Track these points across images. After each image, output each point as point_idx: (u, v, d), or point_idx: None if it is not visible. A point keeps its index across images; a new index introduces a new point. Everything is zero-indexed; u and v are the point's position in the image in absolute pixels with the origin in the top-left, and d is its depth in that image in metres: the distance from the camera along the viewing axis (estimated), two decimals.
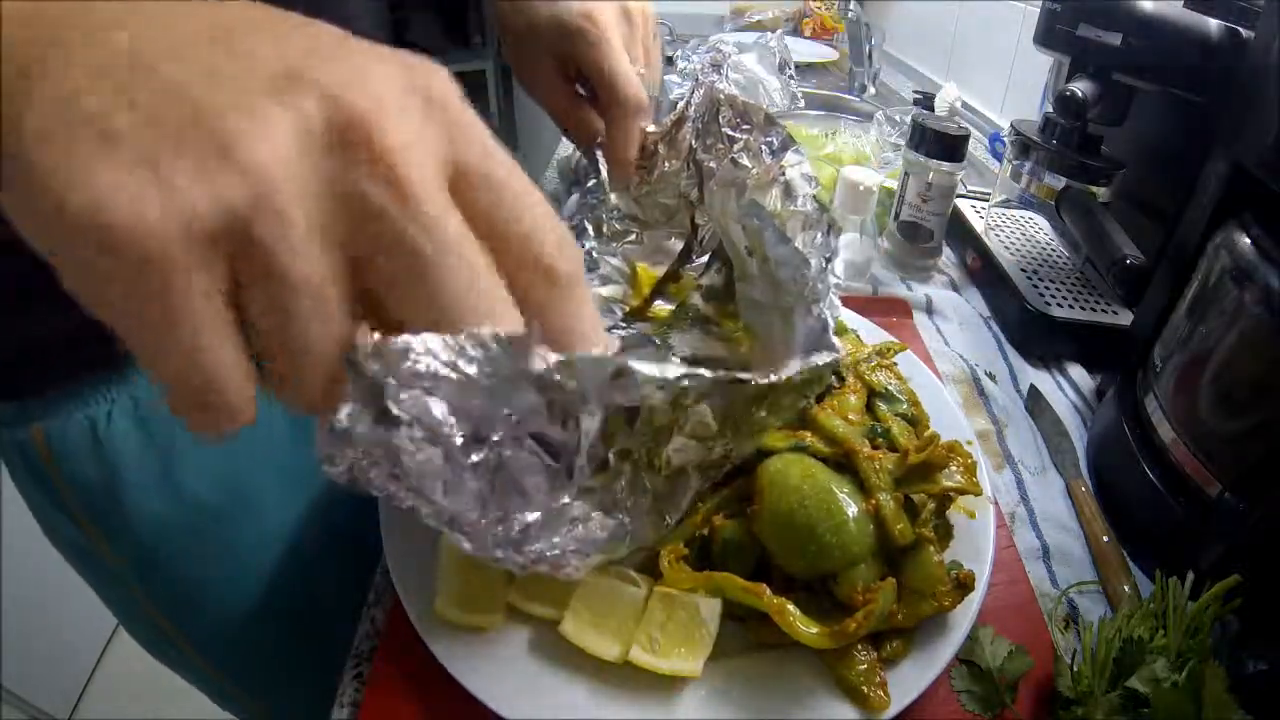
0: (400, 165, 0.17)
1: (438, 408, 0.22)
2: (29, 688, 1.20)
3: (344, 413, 0.21)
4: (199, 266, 0.16)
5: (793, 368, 0.32)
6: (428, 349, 0.20)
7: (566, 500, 0.30)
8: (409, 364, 0.20)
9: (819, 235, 0.41)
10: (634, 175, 0.51)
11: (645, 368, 0.26)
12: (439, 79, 0.19)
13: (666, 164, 0.54)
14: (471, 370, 0.21)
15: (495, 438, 0.24)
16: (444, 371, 0.20)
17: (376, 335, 0.19)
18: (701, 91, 0.52)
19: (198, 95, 0.16)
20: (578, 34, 0.49)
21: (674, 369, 0.27)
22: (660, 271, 0.55)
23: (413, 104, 0.18)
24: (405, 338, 0.19)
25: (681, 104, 0.53)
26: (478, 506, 0.26)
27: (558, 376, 0.24)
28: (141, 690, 1.28)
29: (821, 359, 0.33)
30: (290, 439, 0.51)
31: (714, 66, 0.54)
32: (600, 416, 0.27)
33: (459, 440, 0.23)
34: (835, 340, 0.34)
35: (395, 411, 0.21)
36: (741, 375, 0.30)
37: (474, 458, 0.24)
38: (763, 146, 0.49)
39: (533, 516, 0.29)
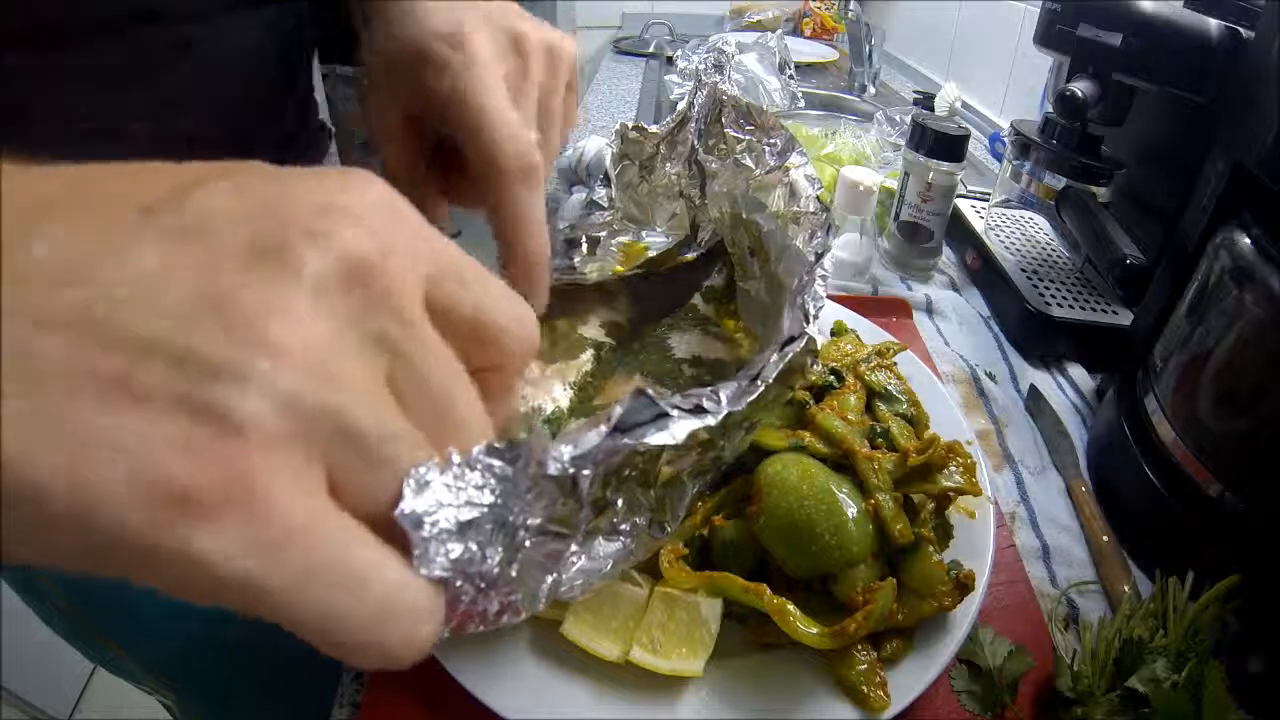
0: (403, 297, 0.16)
1: (465, 550, 0.21)
2: (29, 688, 1.20)
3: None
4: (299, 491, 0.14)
5: (768, 360, 0.32)
6: (439, 502, 0.19)
7: (575, 549, 0.29)
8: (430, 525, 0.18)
9: (817, 232, 0.41)
10: (546, 284, 0.34)
11: (654, 439, 0.26)
12: (378, 188, 0.17)
13: (668, 164, 0.54)
14: (486, 499, 0.20)
15: (520, 540, 0.24)
16: (465, 515, 0.19)
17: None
18: (704, 92, 0.52)
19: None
20: (432, 65, 0.31)
21: (679, 426, 0.27)
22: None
23: (384, 218, 0.17)
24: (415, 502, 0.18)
25: (684, 104, 0.53)
26: (517, 600, 0.26)
27: (571, 470, 0.24)
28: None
29: (794, 348, 0.33)
30: None
31: (716, 67, 0.52)
32: (597, 484, 0.27)
33: (496, 569, 0.23)
34: (809, 327, 0.34)
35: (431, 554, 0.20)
36: (732, 411, 0.30)
37: (513, 570, 0.24)
38: (765, 148, 0.49)
39: (550, 579, 0.29)
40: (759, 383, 0.31)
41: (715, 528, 0.39)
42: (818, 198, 0.43)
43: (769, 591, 0.35)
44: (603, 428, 0.24)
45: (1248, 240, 0.42)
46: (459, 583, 0.21)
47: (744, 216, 0.48)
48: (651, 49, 1.56)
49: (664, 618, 0.35)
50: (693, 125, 0.53)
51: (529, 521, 0.24)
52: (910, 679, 0.35)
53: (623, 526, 0.33)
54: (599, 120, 1.16)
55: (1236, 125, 0.46)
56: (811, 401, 0.43)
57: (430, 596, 0.15)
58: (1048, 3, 0.63)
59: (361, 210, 0.16)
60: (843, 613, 0.35)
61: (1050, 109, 0.64)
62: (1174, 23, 0.54)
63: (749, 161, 0.50)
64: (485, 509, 0.20)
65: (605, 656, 0.35)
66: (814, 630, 0.34)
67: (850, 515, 0.36)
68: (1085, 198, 0.65)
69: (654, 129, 0.54)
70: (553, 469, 0.23)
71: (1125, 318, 0.64)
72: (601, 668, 0.35)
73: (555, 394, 0.48)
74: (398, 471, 0.15)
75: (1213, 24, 0.53)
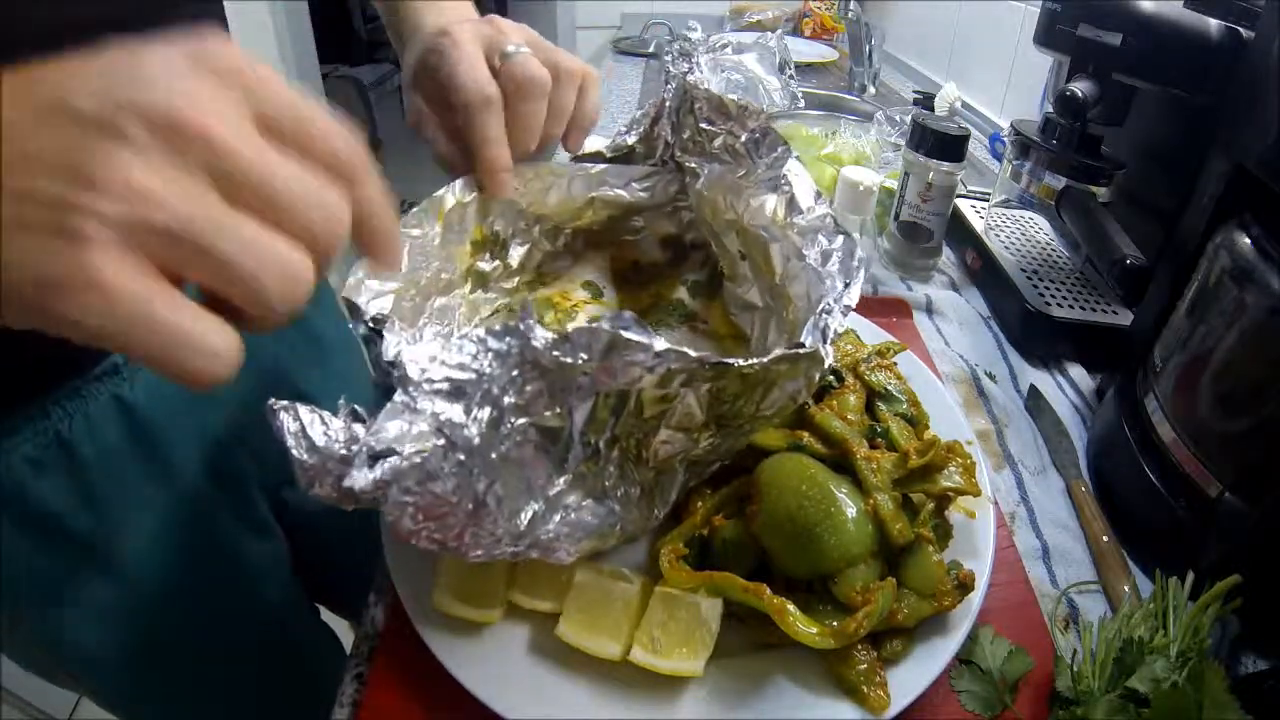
0: (217, 137, 0.21)
1: (453, 409, 0.25)
2: (29, 688, 1.20)
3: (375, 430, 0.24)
4: (123, 268, 0.20)
5: (771, 355, 0.32)
6: (438, 359, 0.23)
7: (561, 486, 0.31)
8: (425, 374, 0.23)
9: (837, 255, 0.41)
10: (508, 185, 0.45)
11: (636, 335, 0.28)
12: (225, 53, 0.23)
13: (645, 163, 0.53)
14: (482, 366, 0.26)
15: (505, 430, 0.27)
16: (457, 375, 0.24)
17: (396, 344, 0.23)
18: (674, 85, 0.51)
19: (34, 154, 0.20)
20: (431, 53, 0.45)
21: (661, 343, 0.29)
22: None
23: (208, 84, 0.22)
24: (412, 351, 0.23)
25: (656, 99, 0.52)
26: (494, 505, 0.28)
27: (555, 353, 0.27)
28: None
29: (801, 350, 0.33)
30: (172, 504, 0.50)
31: (683, 55, 0.51)
32: (590, 403, 0.29)
33: (477, 439, 0.26)
34: (825, 348, 0.34)
35: (419, 406, 0.25)
36: (725, 360, 0.30)
37: (493, 454, 0.27)
38: (742, 145, 0.48)
39: (536, 507, 0.30)
40: (754, 361, 0.32)
41: (715, 528, 0.39)
42: (832, 216, 0.43)
43: (769, 591, 0.35)
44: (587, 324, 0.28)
45: (1248, 240, 0.42)
46: (439, 454, 0.26)
47: (743, 224, 0.48)
48: (651, 49, 1.56)
49: (664, 618, 0.35)
50: (665, 120, 0.52)
51: (514, 402, 0.28)
52: (910, 679, 0.35)
53: (616, 492, 0.34)
54: (599, 120, 1.16)
55: (1236, 125, 0.46)
56: (811, 401, 0.43)
57: (226, 342, 0.22)
58: (1048, 3, 0.63)
59: (181, 83, 0.21)
60: (843, 613, 0.35)
61: (1050, 109, 0.64)
62: (1174, 23, 0.54)
63: (727, 157, 0.49)
64: (473, 375, 0.25)
65: (604, 655, 0.35)
66: (814, 630, 0.34)
67: (850, 515, 0.36)
68: (1085, 198, 0.64)
69: (631, 139, 0.53)
70: (539, 344, 0.27)
71: (1125, 318, 0.64)
72: (601, 668, 0.35)
73: None
74: (200, 244, 0.21)
75: (1213, 24, 0.53)
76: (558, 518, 0.32)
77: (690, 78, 0.49)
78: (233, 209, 0.22)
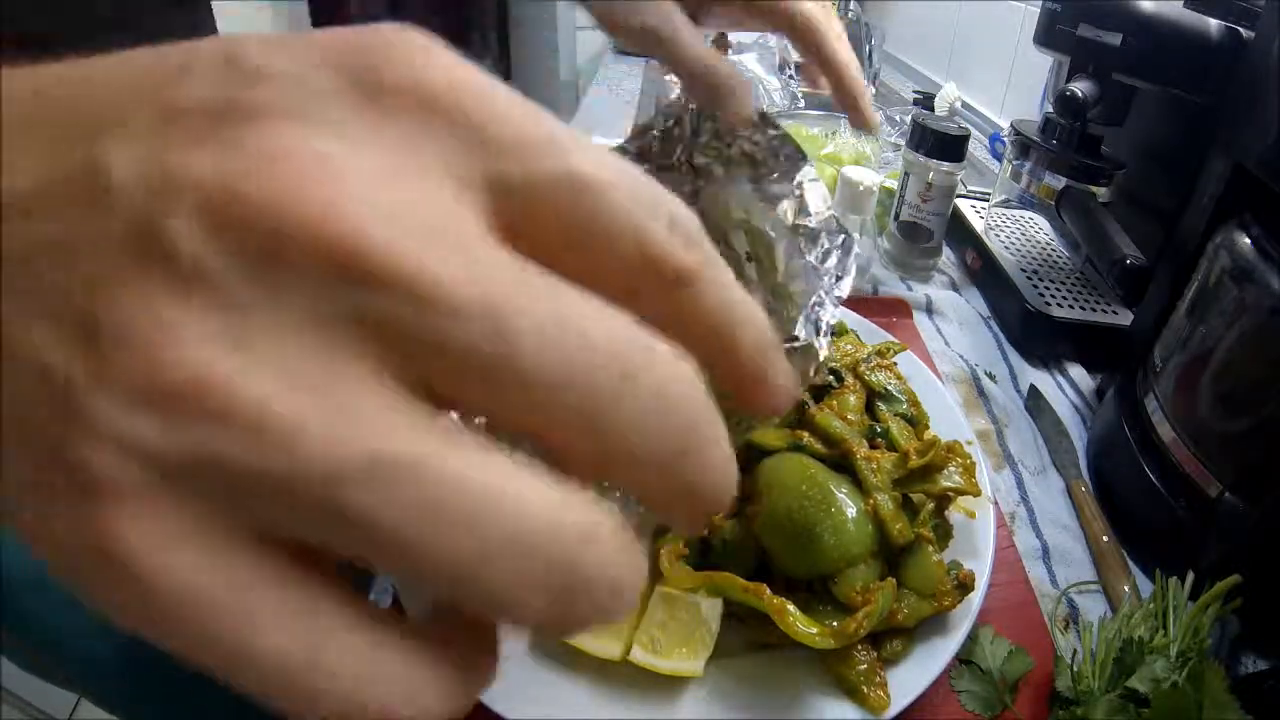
0: (428, 277, 0.10)
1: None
2: (29, 688, 1.20)
3: None
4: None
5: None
6: None
7: None
8: None
9: (836, 252, 0.41)
10: (875, 125, 0.43)
11: None
12: (399, 53, 0.11)
13: (659, 162, 0.53)
14: None
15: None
16: None
17: None
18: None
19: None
20: None
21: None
22: None
23: (389, 130, 0.11)
24: None
25: (677, 99, 0.53)
26: None
27: None
28: None
29: (795, 344, 0.33)
30: None
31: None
32: None
33: None
34: (820, 340, 0.34)
35: None
36: None
37: None
38: (761, 151, 0.48)
39: None
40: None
41: (715, 527, 0.39)
42: (835, 218, 0.43)
43: (769, 591, 0.35)
44: None
45: (1248, 240, 0.42)
46: None
47: (752, 224, 0.48)
48: None
49: (664, 618, 0.35)
50: (686, 124, 0.52)
51: None
52: (910, 679, 0.35)
53: (615, 491, 0.33)
54: (599, 120, 1.16)
55: (1236, 125, 0.46)
56: (811, 402, 0.43)
57: (437, 682, 0.12)
58: (1048, 3, 0.63)
59: (324, 130, 0.11)
60: (843, 613, 0.35)
61: (1050, 109, 0.64)
62: (1174, 23, 0.54)
63: (746, 164, 0.49)
64: None
65: (604, 655, 0.35)
66: (814, 630, 0.34)
67: (850, 515, 0.36)
68: (1085, 198, 0.64)
69: (649, 139, 0.53)
70: None
71: (1125, 318, 0.64)
72: (601, 668, 0.35)
73: None
74: (354, 527, 0.10)
75: (1213, 24, 0.53)
76: None
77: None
78: (466, 443, 0.10)
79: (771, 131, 0.48)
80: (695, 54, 0.37)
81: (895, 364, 0.49)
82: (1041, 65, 0.87)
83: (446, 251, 0.10)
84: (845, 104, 0.40)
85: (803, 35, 0.39)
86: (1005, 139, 0.81)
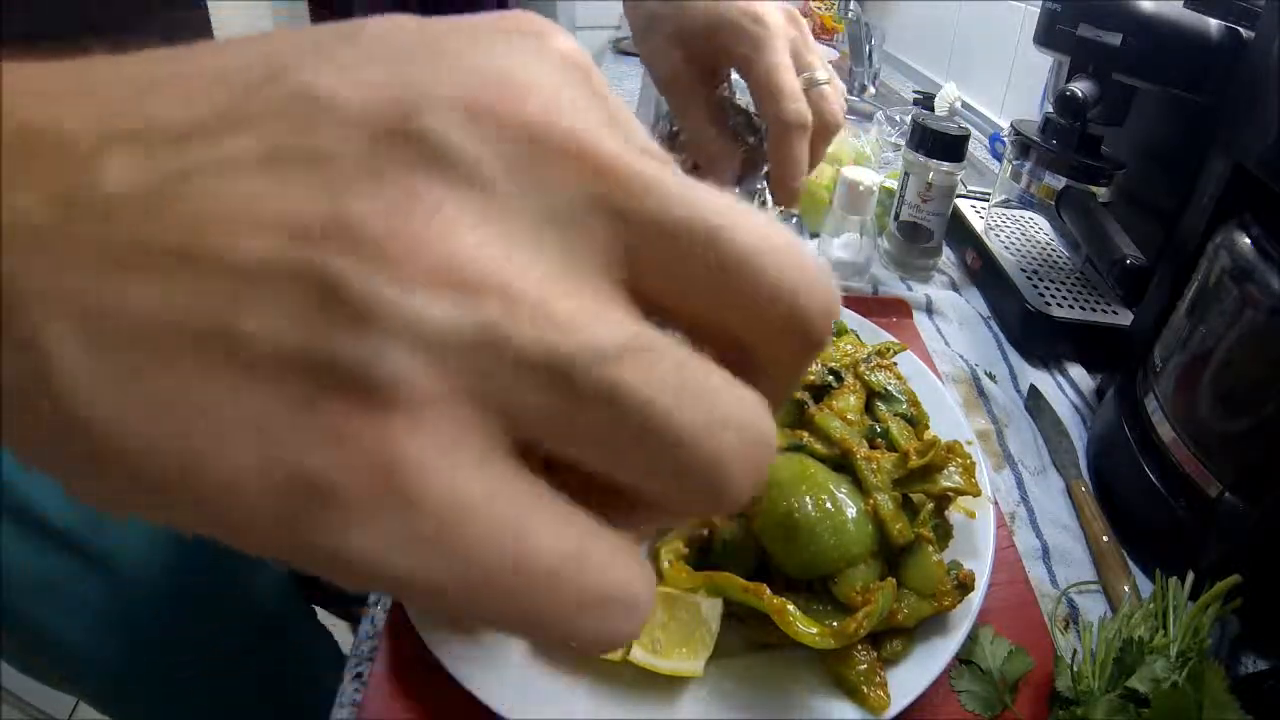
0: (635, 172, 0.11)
1: None
2: (29, 688, 1.20)
3: None
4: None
5: None
6: None
7: None
8: None
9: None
10: (797, 201, 0.44)
11: None
12: (558, 48, 0.13)
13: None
14: None
15: None
16: None
17: None
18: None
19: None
20: (734, 33, 0.41)
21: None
22: None
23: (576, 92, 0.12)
24: None
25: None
26: None
27: None
28: None
29: None
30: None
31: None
32: None
33: None
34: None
35: None
36: None
37: None
38: (755, 153, 0.49)
39: None
40: None
41: (715, 528, 0.39)
42: (782, 211, 0.44)
43: (769, 591, 0.35)
44: None
45: (1248, 240, 0.42)
46: None
47: None
48: None
49: (664, 618, 0.35)
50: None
51: None
52: (910, 679, 0.35)
53: None
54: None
55: (1236, 125, 0.46)
56: (810, 402, 0.43)
57: (641, 573, 0.12)
58: (1048, 3, 0.63)
59: (541, 76, 0.12)
60: (843, 613, 0.35)
61: (1050, 109, 0.64)
62: (1174, 23, 0.54)
63: (748, 171, 0.49)
64: None
65: (604, 656, 0.35)
66: (814, 630, 0.34)
67: (850, 515, 0.36)
68: (1085, 198, 0.64)
69: (657, 136, 0.54)
70: None
71: (1125, 318, 0.64)
72: (601, 668, 0.35)
73: None
74: (622, 401, 0.10)
75: (1213, 24, 0.53)
76: None
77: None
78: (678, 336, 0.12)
79: (753, 138, 0.49)
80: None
81: (895, 364, 0.49)
82: (1041, 65, 0.87)
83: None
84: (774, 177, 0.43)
85: (773, 130, 0.42)
86: (1005, 139, 0.81)
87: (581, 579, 0.11)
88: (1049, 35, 0.63)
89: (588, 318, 0.10)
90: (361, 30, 0.11)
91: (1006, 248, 0.74)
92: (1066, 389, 0.61)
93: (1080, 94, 0.59)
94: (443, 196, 0.10)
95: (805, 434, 0.41)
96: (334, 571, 0.10)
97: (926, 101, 1.22)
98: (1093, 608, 0.43)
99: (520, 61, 0.12)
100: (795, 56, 0.42)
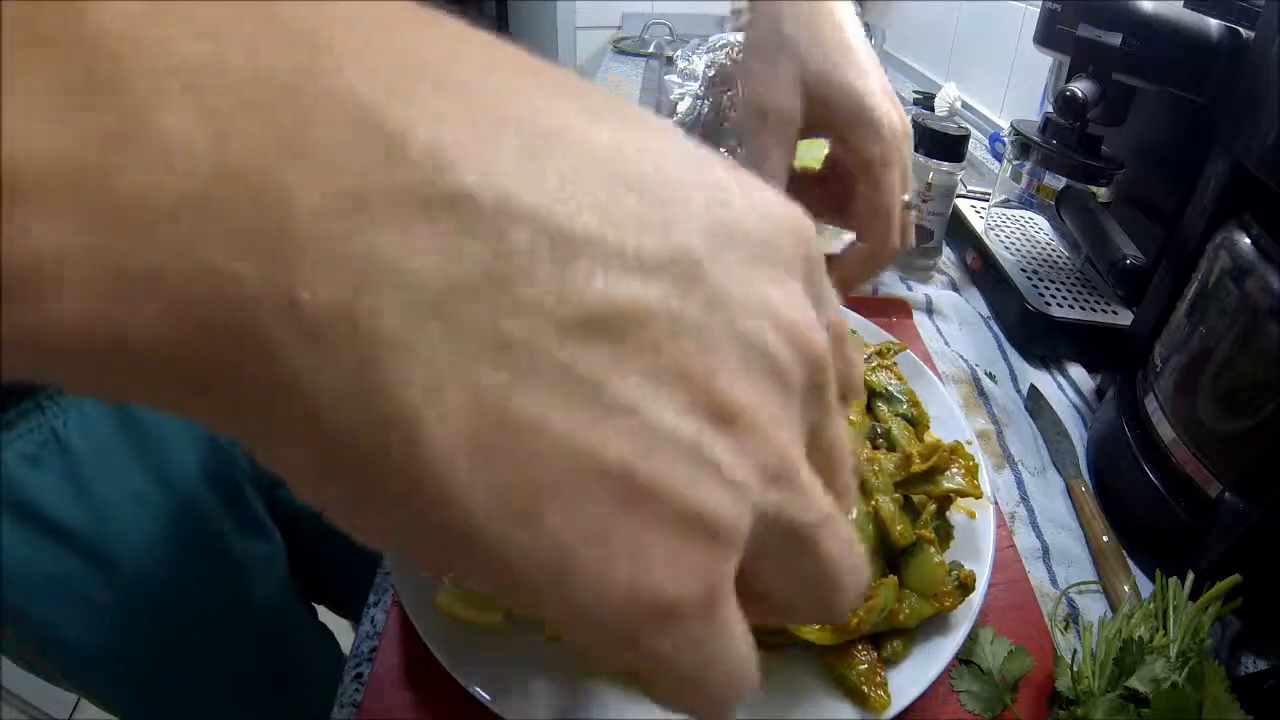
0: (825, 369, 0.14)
1: None
2: (29, 688, 1.20)
3: None
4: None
5: None
6: None
7: None
8: None
9: None
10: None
11: None
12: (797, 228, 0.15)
13: None
14: None
15: None
16: None
17: None
18: (709, 103, 0.51)
19: None
20: (878, 135, 0.42)
21: None
22: None
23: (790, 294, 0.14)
24: None
25: (686, 111, 0.53)
26: None
27: None
28: None
29: None
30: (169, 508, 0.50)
31: (724, 80, 0.52)
32: None
33: None
34: None
35: None
36: None
37: None
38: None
39: None
40: None
41: None
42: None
43: None
44: None
45: (1248, 240, 0.42)
46: None
47: None
48: (651, 49, 1.56)
49: None
50: (695, 135, 0.53)
51: None
52: (910, 679, 0.35)
53: None
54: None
55: (1236, 125, 0.45)
56: None
57: (754, 659, 0.15)
58: (1048, 3, 0.63)
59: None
60: None
61: (1050, 109, 0.64)
62: (1174, 23, 0.54)
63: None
64: None
65: None
66: (814, 625, 0.34)
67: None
68: (1085, 198, 0.64)
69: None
70: None
71: (1125, 318, 0.64)
72: (600, 668, 0.35)
73: None
74: (814, 537, 0.14)
75: (1213, 24, 0.53)
76: None
77: (728, 98, 0.50)
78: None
79: None
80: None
81: (895, 364, 0.49)
82: (1041, 65, 0.87)
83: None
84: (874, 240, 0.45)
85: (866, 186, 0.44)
86: (1005, 139, 0.81)
87: (745, 671, 0.14)
88: (1049, 35, 0.63)
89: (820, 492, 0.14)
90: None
91: (1006, 248, 0.74)
92: (1066, 389, 0.61)
93: (1080, 94, 0.59)
94: (780, 404, 0.13)
95: None
96: (635, 664, 0.13)
97: (926, 101, 1.22)
98: (1093, 608, 0.43)
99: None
100: (901, 172, 0.44)
